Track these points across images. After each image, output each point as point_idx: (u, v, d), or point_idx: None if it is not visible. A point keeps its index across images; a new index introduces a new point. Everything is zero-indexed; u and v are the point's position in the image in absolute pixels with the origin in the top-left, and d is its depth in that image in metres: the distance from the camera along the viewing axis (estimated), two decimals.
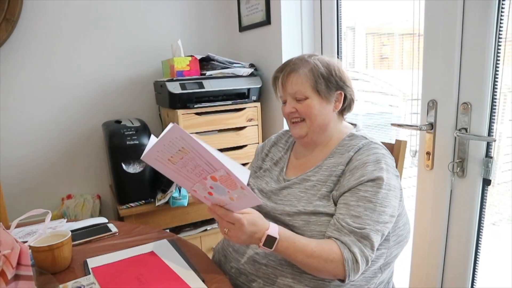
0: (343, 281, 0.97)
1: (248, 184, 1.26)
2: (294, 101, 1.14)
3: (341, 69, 1.16)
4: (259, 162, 1.32)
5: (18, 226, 1.24)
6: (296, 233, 1.04)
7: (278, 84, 1.19)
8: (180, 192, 1.90)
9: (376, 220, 0.99)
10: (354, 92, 1.20)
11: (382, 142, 1.23)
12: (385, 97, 1.84)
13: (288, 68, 1.15)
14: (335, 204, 1.05)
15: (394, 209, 1.03)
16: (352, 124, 1.24)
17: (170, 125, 0.82)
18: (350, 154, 1.08)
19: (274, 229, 0.95)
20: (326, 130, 1.16)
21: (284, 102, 1.19)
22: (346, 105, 1.19)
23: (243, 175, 1.03)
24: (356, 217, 0.98)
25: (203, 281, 0.95)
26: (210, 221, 2.13)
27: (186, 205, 1.90)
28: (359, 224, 0.97)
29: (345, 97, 1.17)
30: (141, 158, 0.89)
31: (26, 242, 0.96)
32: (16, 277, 0.82)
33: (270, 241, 0.93)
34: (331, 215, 1.04)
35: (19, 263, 0.82)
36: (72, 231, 1.15)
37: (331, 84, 1.13)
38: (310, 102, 1.12)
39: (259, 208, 1.13)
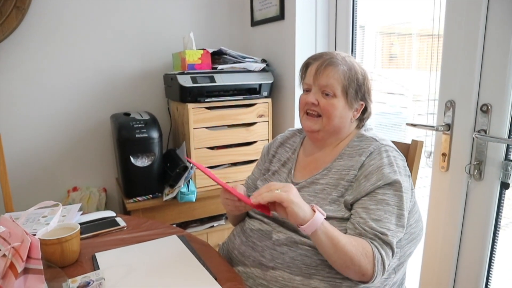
0: (365, 282, 0.95)
1: (256, 188, 1.25)
2: (320, 93, 1.10)
3: (370, 82, 1.14)
4: (267, 164, 1.29)
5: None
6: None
7: (310, 71, 1.13)
8: (188, 187, 1.88)
9: (395, 223, 0.98)
10: (372, 109, 1.18)
11: (397, 142, 1.20)
12: (394, 96, 1.81)
13: (328, 59, 1.10)
14: (348, 209, 1.03)
15: (408, 212, 1.03)
16: None
17: None
18: (362, 158, 1.06)
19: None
20: (338, 133, 1.14)
21: (307, 91, 1.15)
22: (365, 118, 1.17)
23: None
24: (377, 221, 0.97)
25: (215, 278, 0.93)
26: (217, 217, 2.10)
27: (194, 200, 1.87)
28: (381, 228, 0.96)
29: (365, 109, 1.15)
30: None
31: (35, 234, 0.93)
32: (26, 271, 0.80)
33: (318, 216, 0.90)
34: (341, 219, 1.02)
35: (29, 256, 0.80)
36: (79, 224, 1.13)
37: (360, 92, 1.11)
38: (336, 101, 1.09)
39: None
